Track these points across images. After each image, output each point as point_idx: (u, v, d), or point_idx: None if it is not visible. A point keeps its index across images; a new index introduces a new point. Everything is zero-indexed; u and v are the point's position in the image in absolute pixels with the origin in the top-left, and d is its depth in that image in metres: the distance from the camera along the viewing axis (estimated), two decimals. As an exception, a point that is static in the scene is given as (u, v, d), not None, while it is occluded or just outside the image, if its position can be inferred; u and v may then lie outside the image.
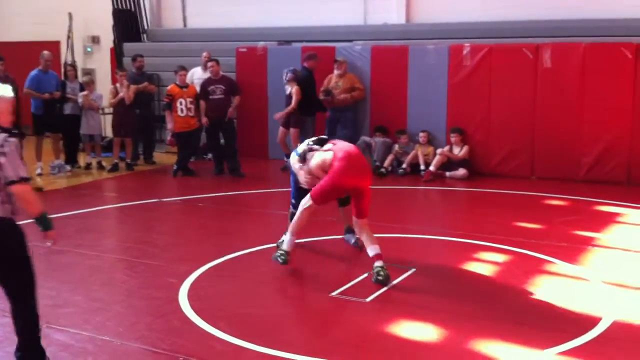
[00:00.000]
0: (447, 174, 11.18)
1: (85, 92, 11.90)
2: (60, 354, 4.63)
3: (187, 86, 11.61)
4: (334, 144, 6.36)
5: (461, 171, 11.11)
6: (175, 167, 11.54)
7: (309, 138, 6.92)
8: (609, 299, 5.71)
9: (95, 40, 16.61)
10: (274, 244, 7.01)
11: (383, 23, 13.13)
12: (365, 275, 6.12)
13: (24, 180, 4.15)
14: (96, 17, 15.78)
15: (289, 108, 11.51)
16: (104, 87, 13.40)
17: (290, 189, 7.02)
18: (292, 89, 11.50)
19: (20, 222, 4.30)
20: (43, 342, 4.40)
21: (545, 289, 5.94)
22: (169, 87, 11.69)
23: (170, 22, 15.61)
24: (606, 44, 10.64)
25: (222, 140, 11.65)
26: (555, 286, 6.04)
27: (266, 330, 5.03)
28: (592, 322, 5.12)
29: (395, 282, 6.01)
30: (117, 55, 14.87)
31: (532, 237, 7.52)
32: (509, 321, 5.22)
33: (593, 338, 4.86)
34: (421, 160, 11.36)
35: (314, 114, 11.78)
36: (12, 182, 4.09)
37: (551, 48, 10.85)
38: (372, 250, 6.08)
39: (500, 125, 11.25)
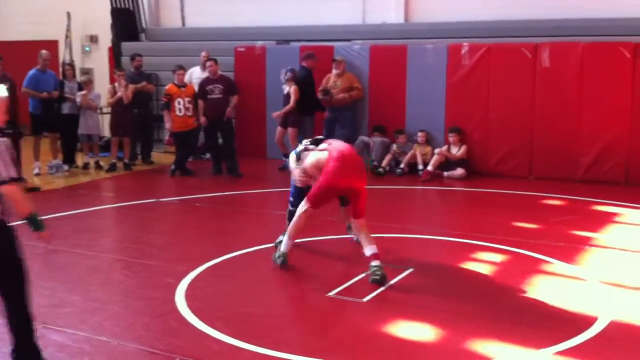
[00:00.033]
0: (445, 173, 11.18)
1: (83, 92, 11.89)
2: (57, 354, 4.62)
3: (185, 86, 11.60)
4: (329, 144, 6.37)
5: (459, 171, 11.11)
6: (173, 166, 11.53)
7: (308, 138, 6.93)
8: (606, 298, 5.71)
9: (93, 39, 16.60)
10: (272, 244, 7.02)
11: (381, 22, 13.12)
12: (363, 275, 6.12)
13: (14, 180, 4.13)
14: (94, 17, 15.77)
15: (287, 107, 11.52)
16: (102, 87, 13.38)
17: (289, 188, 7.03)
18: (290, 89, 11.50)
19: (20, 222, 4.29)
20: (40, 343, 4.39)
21: (543, 288, 5.94)
22: (167, 87, 11.68)
23: (169, 22, 15.60)
24: (605, 44, 10.64)
25: (220, 140, 11.65)
26: (553, 286, 6.04)
27: (263, 331, 5.03)
28: (589, 321, 5.12)
29: (392, 282, 6.01)
30: (115, 54, 14.86)
31: (530, 237, 7.52)
32: (506, 321, 5.22)
33: (590, 338, 4.86)
34: (419, 160, 11.36)
35: (313, 114, 11.79)
36: (2, 182, 4.06)
37: (550, 47, 10.85)
38: (369, 250, 6.08)
39: (499, 125, 11.25)
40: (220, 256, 6.77)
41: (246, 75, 12.94)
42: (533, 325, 5.11)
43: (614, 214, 8.70)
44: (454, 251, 7.20)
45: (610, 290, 5.90)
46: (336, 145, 6.31)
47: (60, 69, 14.09)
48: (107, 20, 14.86)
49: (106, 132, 13.39)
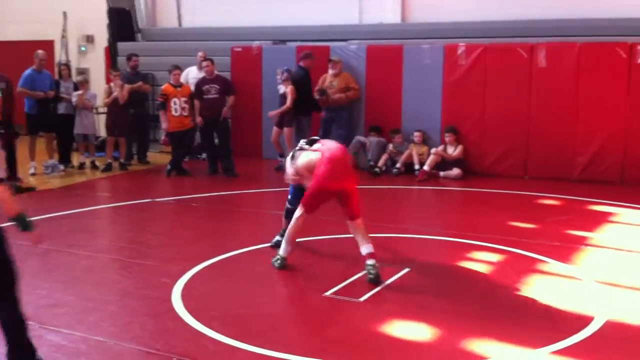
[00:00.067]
0: (441, 173, 11.19)
1: (79, 92, 11.88)
2: (53, 354, 4.61)
3: (181, 85, 11.60)
4: (322, 144, 6.38)
5: (455, 171, 11.12)
6: (169, 166, 11.53)
7: (305, 137, 6.95)
8: (601, 298, 5.72)
9: (89, 39, 16.58)
10: (268, 244, 7.03)
11: (378, 22, 13.14)
12: (359, 275, 6.12)
13: (0, 180, 4.10)
14: (90, 17, 15.75)
15: (284, 107, 11.52)
16: (98, 87, 13.38)
17: (285, 189, 7.03)
18: (287, 89, 11.50)
19: (2, 225, 4.27)
20: (36, 343, 4.38)
21: (539, 288, 5.95)
22: (163, 87, 11.67)
23: (165, 22, 15.60)
24: (601, 44, 10.67)
25: (216, 140, 11.64)
26: (549, 285, 6.05)
27: (259, 330, 5.03)
28: (585, 321, 5.13)
29: (389, 281, 6.01)
30: (111, 54, 14.85)
31: (526, 236, 7.53)
32: (503, 320, 5.23)
33: (586, 337, 4.86)
34: (416, 160, 11.37)
35: (310, 114, 11.79)
36: None
37: (546, 48, 10.87)
38: (365, 249, 6.09)
39: (495, 125, 11.27)
40: (217, 256, 6.77)
41: (242, 75, 12.94)
42: (529, 325, 5.12)
43: (610, 214, 8.71)
44: (450, 251, 7.21)
45: (606, 289, 5.91)
46: (328, 147, 6.31)
47: (56, 69, 14.06)
48: (104, 20, 14.85)
49: (102, 132, 13.37)
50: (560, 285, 6.06)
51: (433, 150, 11.29)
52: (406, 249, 7.24)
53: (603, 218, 8.52)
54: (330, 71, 11.87)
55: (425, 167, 11.13)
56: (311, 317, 5.52)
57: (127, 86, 12.05)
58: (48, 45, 15.72)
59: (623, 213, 8.75)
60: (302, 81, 11.66)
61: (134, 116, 12.33)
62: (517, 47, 11.06)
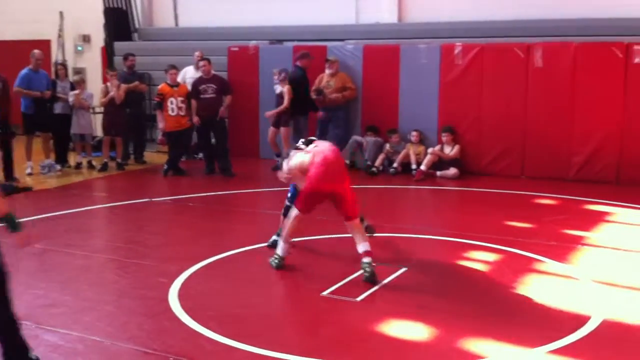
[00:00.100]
0: (438, 173, 11.20)
1: (76, 91, 11.86)
2: (50, 354, 4.60)
3: (177, 85, 11.58)
4: (315, 146, 6.41)
5: (452, 170, 11.13)
6: (165, 166, 11.51)
7: (303, 137, 6.99)
8: (598, 297, 5.74)
9: (86, 39, 16.57)
10: (265, 244, 7.03)
11: (375, 22, 13.14)
12: (356, 274, 6.12)
13: None
14: (87, 16, 15.74)
15: (282, 107, 11.52)
16: (95, 87, 13.36)
17: (281, 188, 7.03)
18: (283, 89, 11.50)
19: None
20: (32, 343, 4.38)
21: (535, 287, 5.96)
22: (159, 86, 11.66)
23: (162, 21, 15.59)
24: (597, 44, 10.68)
25: (213, 140, 11.64)
26: (545, 285, 6.06)
27: (257, 330, 5.03)
28: (581, 320, 5.14)
29: (385, 281, 6.02)
30: (108, 54, 14.84)
31: (522, 236, 7.54)
32: (499, 320, 5.23)
33: (583, 336, 4.87)
34: (413, 160, 11.37)
35: (307, 114, 11.78)
36: None
37: (542, 47, 10.88)
38: (361, 247, 6.11)
39: (492, 125, 11.28)
40: (214, 256, 6.77)
41: (239, 75, 12.93)
42: (526, 324, 5.13)
43: (606, 213, 8.73)
44: (447, 250, 7.22)
45: (602, 289, 5.92)
46: (320, 149, 6.33)
47: (53, 69, 14.05)
48: (100, 19, 14.83)
49: (99, 132, 13.36)
50: (556, 285, 6.07)
51: (430, 150, 11.30)
52: (403, 248, 7.24)
53: (599, 217, 8.54)
54: (327, 71, 11.87)
55: (422, 167, 11.14)
56: (308, 317, 5.52)
57: (123, 86, 12.03)
58: (44, 44, 15.71)
59: (619, 212, 8.76)
60: (300, 81, 11.65)
61: (130, 116, 12.32)
62: (514, 47, 11.07)
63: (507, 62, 11.06)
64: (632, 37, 10.59)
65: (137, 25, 15.30)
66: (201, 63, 11.53)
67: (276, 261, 6.39)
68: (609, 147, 10.61)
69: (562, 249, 7.06)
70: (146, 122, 13.45)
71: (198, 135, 11.81)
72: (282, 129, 11.67)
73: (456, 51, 11.42)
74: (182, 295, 5.68)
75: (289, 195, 6.92)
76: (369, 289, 5.83)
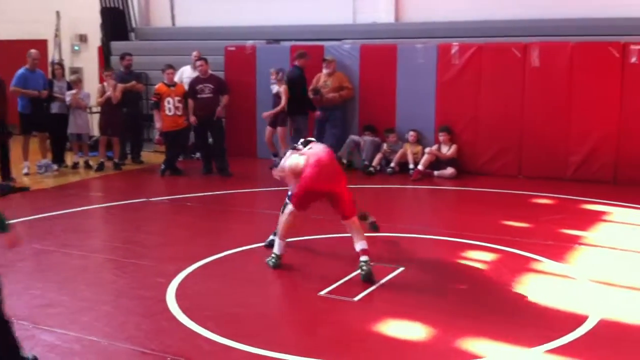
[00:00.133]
0: (435, 173, 11.20)
1: (73, 91, 11.84)
2: (47, 354, 4.59)
3: (174, 85, 11.56)
4: (310, 148, 6.50)
5: (449, 170, 11.13)
6: (163, 166, 11.50)
7: (301, 136, 7.05)
8: (595, 297, 5.74)
9: (82, 38, 16.55)
10: (262, 244, 7.02)
11: (372, 22, 13.14)
12: (354, 274, 6.12)
13: None
14: (84, 16, 15.71)
15: (279, 107, 11.51)
16: (92, 86, 13.36)
17: (279, 188, 7.04)
18: (280, 88, 11.50)
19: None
20: (29, 343, 4.38)
21: (533, 287, 5.96)
22: (156, 86, 11.64)
23: (159, 21, 15.57)
24: (594, 43, 10.69)
25: (210, 140, 11.63)
26: (542, 284, 6.06)
27: (254, 330, 5.03)
28: (579, 320, 5.14)
29: (383, 280, 6.02)
30: (105, 53, 14.82)
31: (520, 235, 7.55)
32: (497, 319, 5.24)
33: (580, 336, 4.88)
34: (410, 159, 11.38)
35: (306, 113, 11.77)
36: None
37: (539, 47, 10.89)
38: (359, 245, 6.13)
39: (489, 124, 11.29)
40: (211, 256, 6.76)
41: (236, 74, 12.93)
42: (523, 324, 5.13)
43: (603, 213, 8.74)
44: (444, 250, 7.22)
45: (599, 288, 5.93)
46: (315, 151, 6.42)
47: (50, 69, 14.04)
48: (97, 19, 14.82)
49: (96, 132, 13.34)
50: (554, 284, 6.08)
51: (427, 149, 11.30)
52: (400, 248, 7.25)
53: (597, 217, 8.55)
54: (324, 70, 11.87)
55: (420, 167, 11.14)
56: (306, 317, 5.52)
57: (120, 86, 12.02)
58: (41, 44, 15.69)
59: (616, 212, 8.77)
60: (297, 80, 11.64)
61: (127, 115, 12.30)
62: (511, 46, 11.08)
63: (504, 62, 11.07)
64: (629, 36, 10.61)
65: (134, 25, 15.28)
66: (198, 63, 11.52)
67: (273, 260, 6.40)
68: (606, 146, 10.62)
69: (559, 248, 7.07)
70: (143, 121, 13.43)
71: (195, 135, 11.80)
72: (279, 129, 11.66)
73: (453, 51, 11.42)
74: (180, 295, 5.67)
75: (289, 193, 6.93)
76: (367, 288, 5.83)
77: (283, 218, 6.46)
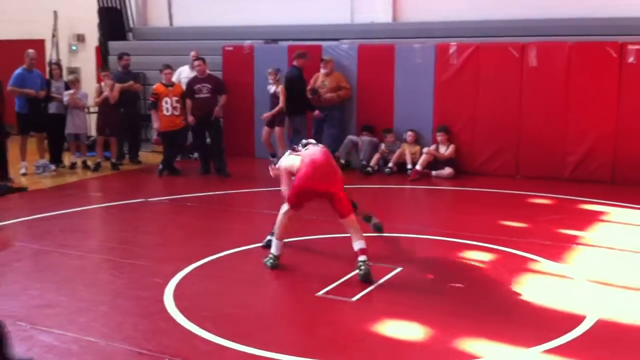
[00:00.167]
0: (433, 173, 11.20)
1: (71, 91, 11.84)
2: (45, 355, 4.59)
3: (172, 85, 11.56)
4: (307, 149, 6.57)
5: (447, 170, 11.14)
6: (160, 166, 11.50)
7: (301, 136, 7.10)
8: (593, 297, 5.75)
9: (80, 38, 16.54)
10: (260, 244, 7.02)
11: (370, 22, 13.14)
12: (351, 274, 6.13)
13: None
14: (81, 16, 15.69)
15: (277, 108, 11.51)
16: (90, 86, 13.33)
17: (277, 188, 7.04)
18: (277, 88, 11.50)
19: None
20: (27, 344, 4.37)
21: (530, 287, 5.97)
22: (154, 86, 11.64)
23: (156, 21, 15.56)
24: (591, 43, 10.70)
25: (208, 140, 11.62)
26: (540, 284, 6.07)
27: (252, 330, 5.03)
28: (576, 320, 5.15)
29: (381, 281, 6.02)
30: (102, 53, 14.81)
31: (517, 235, 7.55)
32: (495, 319, 5.24)
33: (578, 336, 4.88)
34: (408, 159, 11.38)
35: (305, 113, 11.77)
36: None
37: (537, 47, 10.90)
38: (357, 245, 6.14)
39: (486, 124, 11.29)
40: (209, 256, 6.76)
41: (234, 74, 12.92)
42: (521, 324, 5.14)
43: (601, 213, 8.75)
44: (442, 250, 7.22)
45: (597, 288, 5.93)
46: (310, 152, 6.48)
47: (47, 69, 14.01)
48: (94, 19, 14.80)
49: (93, 132, 13.33)
50: (551, 284, 6.08)
51: (425, 149, 11.31)
52: (398, 248, 7.25)
53: (594, 217, 8.56)
54: (322, 70, 11.87)
55: (417, 167, 11.15)
56: (303, 317, 5.52)
57: (117, 86, 12.01)
58: (39, 44, 15.66)
59: (614, 212, 8.78)
60: (296, 80, 11.63)
61: (125, 115, 12.30)
62: (508, 46, 11.08)
63: (502, 62, 11.08)
64: (626, 36, 10.62)
65: (131, 25, 15.27)
66: (196, 63, 11.51)
67: (271, 261, 6.40)
68: (603, 146, 10.63)
69: (557, 248, 7.08)
70: (141, 121, 13.43)
71: (193, 135, 11.79)
72: (277, 129, 11.66)
73: (451, 51, 11.43)
74: (177, 296, 5.67)
75: None
76: (364, 289, 5.83)
77: (278, 217, 6.48)
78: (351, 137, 11.90)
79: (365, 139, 11.78)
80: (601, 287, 5.96)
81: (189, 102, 11.36)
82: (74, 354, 4.65)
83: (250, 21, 13.90)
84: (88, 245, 7.47)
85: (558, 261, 6.64)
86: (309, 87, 11.84)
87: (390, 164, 11.51)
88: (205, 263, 6.58)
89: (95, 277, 6.42)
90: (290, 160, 6.60)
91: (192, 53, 12.41)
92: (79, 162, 12.17)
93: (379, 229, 7.43)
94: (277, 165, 6.86)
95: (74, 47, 16.59)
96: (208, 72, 11.52)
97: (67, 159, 12.40)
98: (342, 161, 11.63)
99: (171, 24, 15.28)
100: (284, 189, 6.62)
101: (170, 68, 11.65)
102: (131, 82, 12.52)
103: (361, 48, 12.15)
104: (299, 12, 13.60)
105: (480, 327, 5.07)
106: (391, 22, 13.10)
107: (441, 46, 11.53)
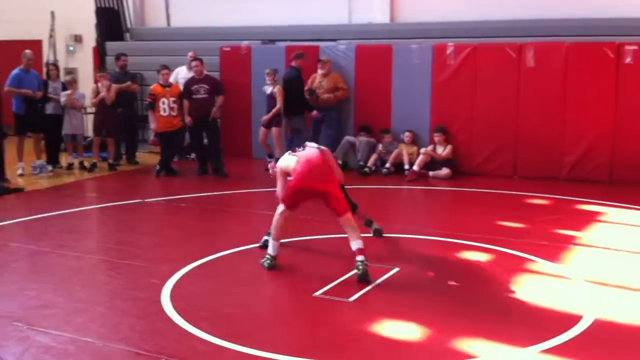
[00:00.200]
0: (431, 173, 11.21)
1: (68, 92, 11.82)
2: (42, 355, 4.59)
3: (170, 85, 11.55)
4: (303, 150, 6.63)
5: (444, 171, 11.14)
6: (158, 167, 11.49)
7: (303, 136, 7.15)
8: (590, 297, 5.75)
9: (77, 39, 16.53)
10: (257, 244, 7.02)
11: (367, 22, 13.15)
12: (349, 274, 6.12)
13: None
14: (79, 16, 15.69)
15: (275, 109, 11.50)
16: (87, 87, 13.32)
17: (276, 189, 7.05)
18: (274, 89, 11.49)
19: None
20: (24, 344, 4.36)
21: (527, 287, 5.97)
22: (151, 87, 11.63)
23: (154, 21, 15.56)
24: (588, 44, 10.71)
25: (205, 140, 11.62)
26: (537, 284, 6.07)
27: (249, 331, 5.02)
28: (573, 320, 5.15)
29: (378, 281, 6.02)
30: (99, 54, 14.79)
31: (515, 235, 7.56)
32: (492, 319, 5.24)
33: (575, 336, 4.88)
34: (406, 160, 11.38)
35: (303, 113, 11.76)
36: None
37: (534, 47, 10.91)
38: (355, 244, 6.14)
39: (484, 125, 11.30)
40: (206, 256, 6.76)
41: (231, 75, 12.92)
42: (518, 324, 5.14)
43: (598, 213, 8.76)
44: (440, 250, 7.23)
45: (594, 288, 5.94)
46: (306, 152, 6.53)
47: (44, 69, 14.00)
48: (92, 19, 14.79)
49: (90, 132, 13.32)
50: (548, 285, 6.09)
51: (422, 150, 11.31)
52: (395, 248, 7.25)
53: (591, 217, 8.56)
54: (319, 71, 11.87)
55: (415, 167, 11.15)
56: (301, 317, 5.52)
57: (114, 86, 12.01)
58: (36, 45, 15.66)
59: (611, 212, 8.79)
60: (294, 81, 11.63)
61: (122, 116, 12.29)
62: (506, 47, 11.09)
63: (499, 62, 11.09)
64: (623, 37, 10.63)
65: (129, 25, 15.26)
66: (194, 63, 11.51)
67: (268, 261, 6.41)
68: (600, 146, 10.64)
69: (554, 248, 7.08)
70: (138, 122, 13.43)
71: (190, 136, 11.78)
72: (274, 129, 11.65)
73: (448, 51, 11.44)
74: (175, 296, 5.67)
75: None
76: (362, 289, 5.83)
77: (274, 218, 6.48)
78: (349, 138, 11.90)
79: (362, 139, 11.78)
80: (598, 287, 5.96)
81: (186, 102, 11.35)
82: (71, 355, 4.64)
83: (247, 22, 13.90)
84: (85, 246, 7.47)
85: (555, 261, 6.65)
86: (306, 88, 11.83)
87: (387, 165, 11.51)
88: (202, 263, 6.58)
89: (92, 278, 6.42)
90: (286, 161, 6.63)
91: (190, 54, 12.41)
92: (75, 162, 12.15)
93: (379, 234, 7.45)
94: (275, 165, 6.92)
95: (71, 48, 16.58)
96: (205, 72, 11.52)
97: (64, 159, 12.38)
98: (340, 162, 11.63)
99: (169, 24, 15.28)
100: (279, 189, 6.65)
101: (168, 68, 11.64)
102: (129, 83, 12.51)
103: (359, 48, 12.16)
104: (296, 12, 13.60)
105: (478, 327, 5.07)
106: (389, 22, 13.11)
107: (438, 47, 11.54)
